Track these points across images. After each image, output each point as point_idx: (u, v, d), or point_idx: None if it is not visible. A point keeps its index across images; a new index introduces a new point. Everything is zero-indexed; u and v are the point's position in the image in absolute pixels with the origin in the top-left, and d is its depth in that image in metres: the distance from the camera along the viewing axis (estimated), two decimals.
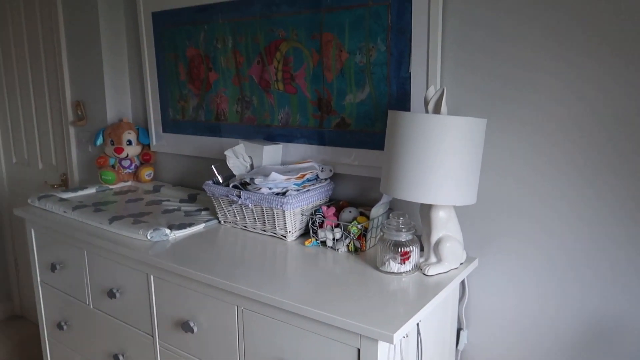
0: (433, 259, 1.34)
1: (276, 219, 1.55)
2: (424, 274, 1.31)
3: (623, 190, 1.25)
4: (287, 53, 1.75)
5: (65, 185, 2.65)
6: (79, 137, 2.50)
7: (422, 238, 1.38)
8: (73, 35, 2.38)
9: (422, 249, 1.38)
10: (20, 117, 2.86)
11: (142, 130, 2.27)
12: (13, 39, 2.74)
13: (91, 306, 1.76)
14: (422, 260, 1.36)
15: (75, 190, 2.09)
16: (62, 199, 1.94)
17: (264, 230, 1.61)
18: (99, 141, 2.26)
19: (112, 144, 2.21)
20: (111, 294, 1.61)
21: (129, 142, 2.22)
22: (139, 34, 2.22)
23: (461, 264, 1.38)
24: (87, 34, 2.31)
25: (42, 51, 2.59)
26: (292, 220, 1.54)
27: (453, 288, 1.32)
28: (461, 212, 1.49)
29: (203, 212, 1.81)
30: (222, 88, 1.98)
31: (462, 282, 1.50)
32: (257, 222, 1.61)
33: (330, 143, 1.71)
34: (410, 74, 1.48)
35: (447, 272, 1.33)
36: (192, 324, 1.39)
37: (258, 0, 1.78)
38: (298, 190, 1.56)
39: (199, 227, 1.67)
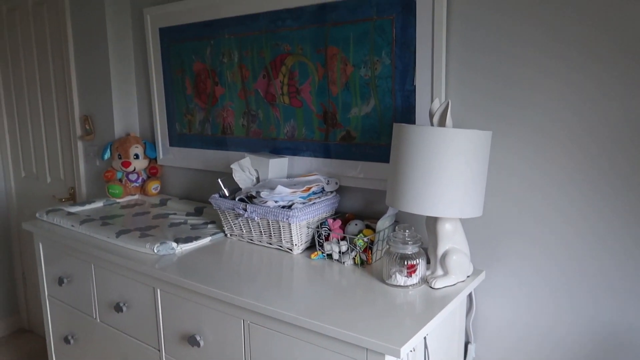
0: (440, 271, 1.34)
1: (282, 232, 1.55)
2: (431, 287, 1.30)
3: (634, 197, 1.24)
4: (292, 67, 1.76)
5: (73, 199, 2.67)
6: (87, 151, 2.52)
7: (428, 251, 1.38)
8: (81, 50, 2.41)
9: (428, 262, 1.37)
10: (30, 132, 2.89)
11: (149, 144, 2.29)
12: (23, 55, 2.78)
13: (98, 320, 1.77)
14: (428, 273, 1.35)
15: (82, 204, 2.11)
16: (69, 213, 1.96)
17: (270, 244, 1.62)
18: (107, 155, 2.28)
19: (120, 158, 2.23)
20: (118, 308, 1.62)
21: (136, 156, 2.24)
22: (146, 49, 2.25)
23: (468, 276, 1.37)
24: (95, 49, 2.34)
25: (51, 66, 2.62)
26: (298, 233, 1.54)
27: (460, 301, 1.31)
28: (467, 224, 1.49)
29: (209, 226, 1.82)
30: (228, 102, 1.99)
31: (469, 295, 1.49)
32: (263, 235, 1.62)
33: (336, 156, 1.71)
34: (415, 86, 1.49)
35: (454, 284, 1.32)
36: (198, 338, 1.39)
37: (263, 15, 1.80)
38: (304, 203, 1.56)
39: (206, 241, 1.67)
